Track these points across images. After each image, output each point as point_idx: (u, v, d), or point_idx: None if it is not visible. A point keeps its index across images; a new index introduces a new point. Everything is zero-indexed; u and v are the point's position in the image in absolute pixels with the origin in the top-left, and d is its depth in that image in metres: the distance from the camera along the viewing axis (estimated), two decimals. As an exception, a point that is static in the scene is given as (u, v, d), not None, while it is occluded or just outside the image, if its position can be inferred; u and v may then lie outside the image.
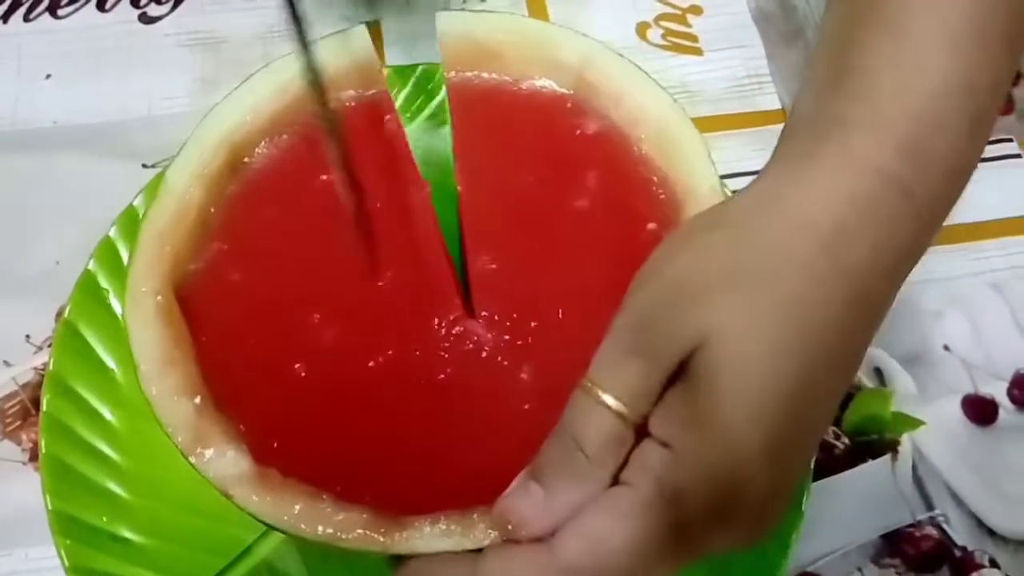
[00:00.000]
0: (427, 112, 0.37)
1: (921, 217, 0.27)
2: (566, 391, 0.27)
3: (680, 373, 0.26)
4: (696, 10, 0.54)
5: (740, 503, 0.25)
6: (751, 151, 0.49)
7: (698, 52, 0.52)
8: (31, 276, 0.45)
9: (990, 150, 0.50)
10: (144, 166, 0.47)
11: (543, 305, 0.32)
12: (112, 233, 0.40)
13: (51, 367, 0.38)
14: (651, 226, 0.33)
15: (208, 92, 0.49)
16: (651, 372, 0.26)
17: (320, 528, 0.28)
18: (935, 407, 0.43)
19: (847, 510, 0.41)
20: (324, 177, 0.34)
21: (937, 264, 0.46)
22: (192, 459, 0.29)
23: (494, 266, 0.33)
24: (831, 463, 0.42)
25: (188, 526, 0.37)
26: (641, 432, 0.26)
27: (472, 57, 0.35)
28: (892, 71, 0.27)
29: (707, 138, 0.34)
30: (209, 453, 0.29)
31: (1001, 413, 0.43)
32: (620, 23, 0.53)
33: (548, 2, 0.53)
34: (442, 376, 0.31)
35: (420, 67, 0.40)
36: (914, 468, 0.42)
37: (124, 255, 0.40)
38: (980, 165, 0.49)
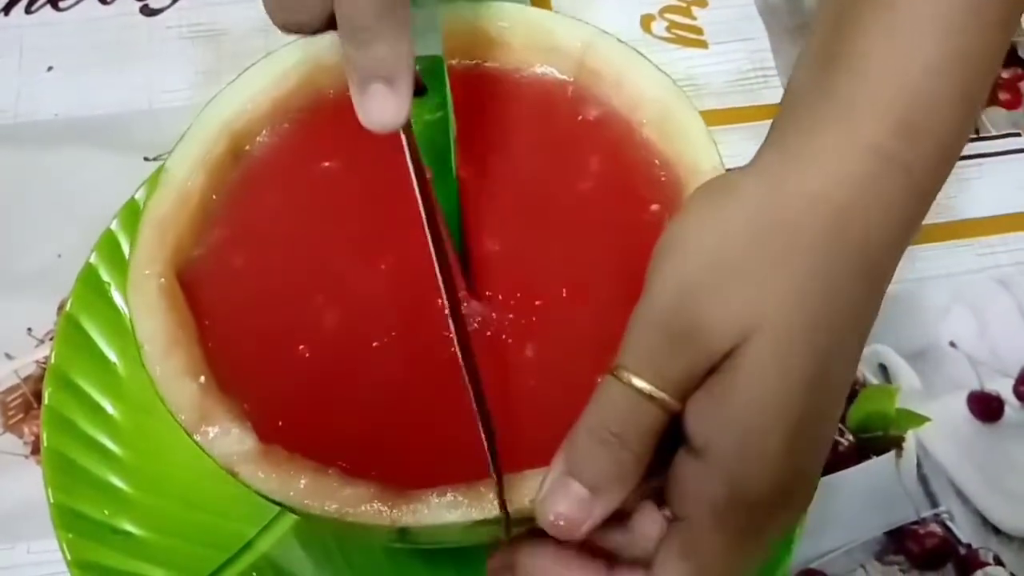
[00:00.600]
0: (430, 100, 0.37)
1: (918, 192, 0.27)
2: (571, 367, 0.27)
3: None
4: (701, 2, 0.53)
5: (786, 494, 0.26)
6: (756, 144, 0.47)
7: (703, 45, 0.52)
8: (33, 269, 0.45)
9: (997, 145, 0.49)
10: (145, 159, 0.47)
11: (547, 285, 0.32)
12: (114, 226, 0.40)
13: (53, 360, 0.38)
14: (654, 207, 0.33)
15: (209, 85, 0.49)
16: (696, 363, 0.26)
17: (326, 503, 0.28)
18: (940, 404, 0.43)
19: (851, 507, 0.41)
20: (325, 164, 0.34)
21: (943, 260, 0.46)
22: (197, 437, 0.29)
23: (497, 248, 0.33)
24: (835, 460, 0.42)
25: (190, 520, 0.37)
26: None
27: (473, 46, 0.35)
28: (887, 48, 0.27)
29: (712, 131, 0.34)
30: (213, 431, 0.29)
31: (1007, 410, 0.43)
32: (625, 15, 0.52)
33: (552, -6, 0.53)
34: (446, 356, 0.31)
35: (423, 56, 0.40)
36: (919, 465, 0.42)
37: (126, 248, 0.40)
38: (987, 160, 0.49)
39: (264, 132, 0.34)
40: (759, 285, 0.26)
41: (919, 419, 0.43)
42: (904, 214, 0.27)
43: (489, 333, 0.31)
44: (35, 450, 0.41)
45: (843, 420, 0.43)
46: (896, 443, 0.42)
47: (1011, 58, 0.52)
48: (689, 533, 0.26)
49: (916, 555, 0.40)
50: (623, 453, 0.26)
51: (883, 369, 0.44)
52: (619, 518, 0.27)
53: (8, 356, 0.43)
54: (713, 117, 0.49)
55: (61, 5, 0.52)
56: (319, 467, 0.29)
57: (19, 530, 0.39)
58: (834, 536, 0.40)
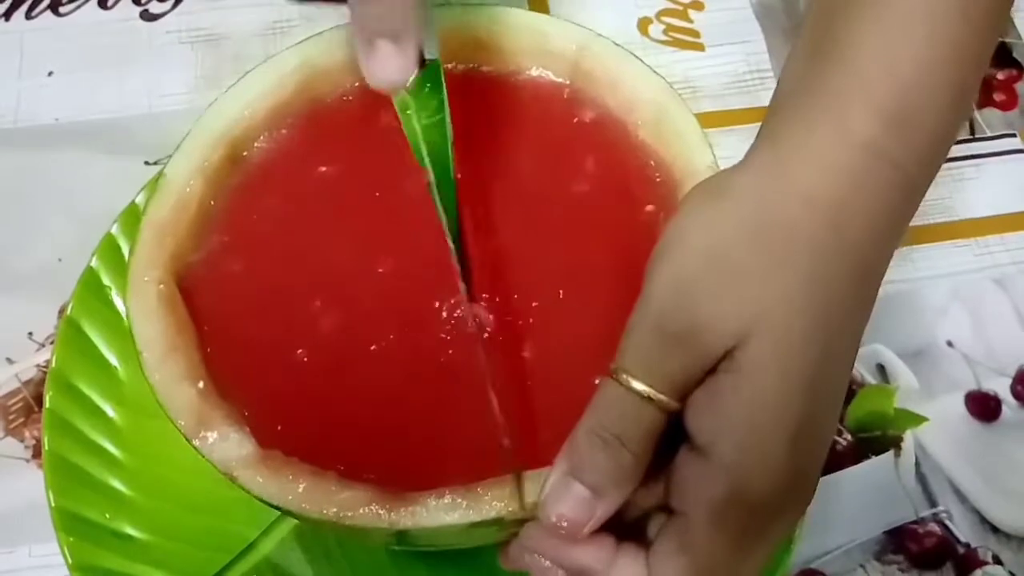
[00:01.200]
0: (427, 103, 0.37)
1: (909, 187, 0.28)
2: (568, 367, 0.27)
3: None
4: (698, 5, 0.53)
5: (787, 494, 0.26)
6: (753, 147, 0.48)
7: (700, 47, 0.52)
8: (34, 273, 0.45)
9: (993, 145, 0.50)
10: (146, 163, 0.47)
11: (543, 286, 0.32)
12: (114, 230, 0.40)
13: (54, 364, 0.38)
14: (649, 208, 0.33)
15: (209, 89, 0.49)
16: (695, 364, 0.26)
17: (324, 506, 0.28)
18: (938, 403, 0.43)
19: (850, 507, 0.41)
20: (323, 168, 0.34)
21: (940, 260, 0.46)
22: (195, 442, 0.29)
23: (494, 251, 0.33)
24: (834, 459, 0.42)
25: (191, 523, 0.37)
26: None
27: (469, 49, 0.36)
28: (877, 42, 0.27)
29: (709, 133, 0.34)
30: (212, 436, 0.29)
31: (1004, 409, 0.43)
32: (622, 18, 0.52)
33: (550, -2, 0.53)
34: (444, 358, 0.31)
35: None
36: (917, 464, 0.42)
37: (126, 252, 0.40)
38: (983, 160, 0.49)
39: (262, 138, 0.35)
40: (757, 285, 0.26)
41: (917, 419, 0.43)
42: (896, 211, 0.27)
43: (486, 335, 0.31)
44: (36, 454, 0.41)
45: (842, 420, 0.43)
46: (895, 443, 0.42)
47: (1006, 60, 0.52)
48: (688, 529, 0.26)
49: (915, 554, 0.40)
50: (623, 454, 0.26)
51: (881, 369, 0.44)
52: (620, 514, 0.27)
53: (9, 360, 0.43)
54: (710, 119, 0.49)
55: (62, 10, 0.52)
56: (317, 471, 0.29)
57: (20, 533, 0.39)
58: (833, 536, 0.40)
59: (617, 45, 0.35)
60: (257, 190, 0.34)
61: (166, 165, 0.33)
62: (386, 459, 0.30)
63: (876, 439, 0.42)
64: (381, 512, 0.28)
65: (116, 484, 0.37)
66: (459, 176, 0.32)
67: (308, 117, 0.35)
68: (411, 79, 0.28)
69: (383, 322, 0.32)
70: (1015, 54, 0.52)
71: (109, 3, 0.53)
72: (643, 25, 0.53)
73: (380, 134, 0.34)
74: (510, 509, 0.28)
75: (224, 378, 0.31)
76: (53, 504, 0.36)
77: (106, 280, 0.40)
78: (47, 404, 0.38)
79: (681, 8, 0.53)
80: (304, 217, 0.34)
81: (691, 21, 0.53)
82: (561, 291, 0.32)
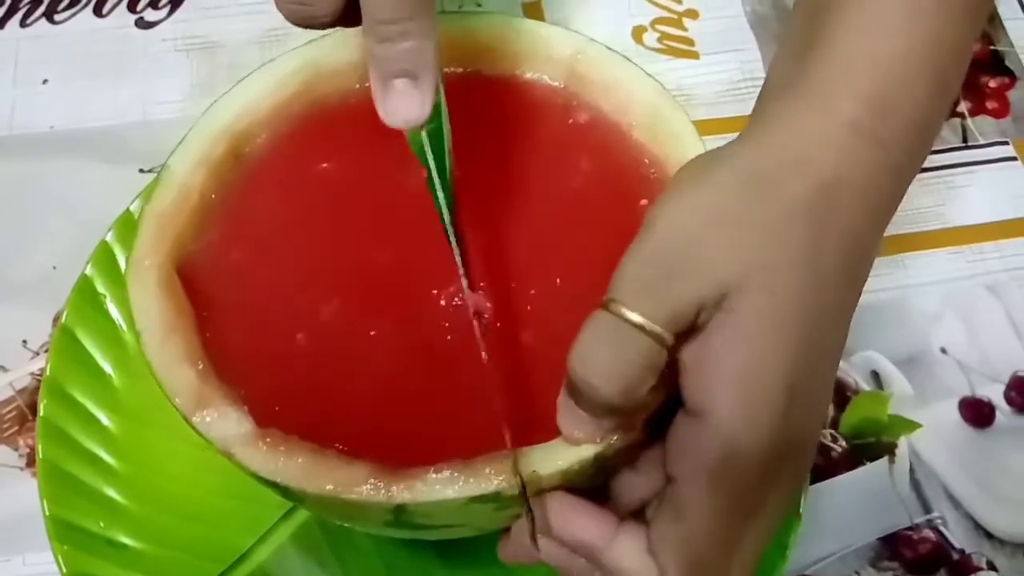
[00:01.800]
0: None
1: (895, 169, 0.28)
2: (565, 351, 0.26)
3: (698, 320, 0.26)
4: (692, 14, 0.54)
5: (780, 460, 0.26)
6: (748, 154, 0.49)
7: (694, 56, 0.52)
8: (28, 281, 0.45)
9: (986, 153, 0.50)
10: (141, 171, 0.47)
11: (541, 275, 0.33)
12: (109, 238, 0.40)
13: (48, 372, 0.38)
14: (643, 202, 0.33)
15: (205, 97, 0.49)
16: (688, 300, 0.26)
17: (323, 482, 0.28)
18: (932, 410, 0.43)
19: (845, 513, 0.41)
20: (324, 165, 0.35)
21: (934, 267, 0.46)
22: (194, 420, 0.29)
23: (492, 242, 0.33)
24: (828, 466, 0.42)
25: (186, 532, 0.37)
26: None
27: (470, 54, 0.36)
28: (858, 34, 0.28)
29: (703, 141, 0.34)
30: (211, 415, 0.29)
31: (998, 416, 0.43)
32: (616, 27, 0.53)
33: (544, 6, 0.53)
34: (442, 343, 0.32)
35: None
36: (911, 471, 0.42)
37: (121, 260, 0.40)
38: (976, 168, 0.50)
39: (264, 135, 0.35)
40: (756, 235, 0.26)
41: (911, 425, 0.43)
42: (883, 190, 0.28)
43: (484, 319, 0.32)
44: (30, 462, 0.41)
45: (836, 426, 0.43)
46: (889, 449, 0.42)
47: (999, 68, 0.53)
48: (685, 495, 0.26)
49: (910, 561, 0.40)
50: (625, 392, 0.26)
51: (875, 376, 0.44)
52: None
53: (3, 368, 0.43)
54: (704, 127, 0.48)
55: (56, 18, 0.52)
56: (316, 448, 0.29)
57: (15, 542, 0.39)
58: (828, 542, 0.40)
59: (611, 50, 0.36)
60: (258, 184, 0.35)
61: (170, 156, 0.34)
62: (384, 441, 0.30)
63: (870, 445, 0.42)
64: (380, 486, 0.28)
65: (111, 493, 0.37)
66: (458, 173, 0.32)
67: (310, 117, 0.36)
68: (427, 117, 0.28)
69: (382, 308, 0.32)
70: (1007, 62, 0.53)
71: (104, 11, 0.53)
72: (637, 33, 0.53)
73: (380, 134, 0.34)
74: (508, 483, 0.28)
75: (222, 362, 0.31)
76: (47, 513, 0.36)
77: (100, 288, 0.40)
78: (41, 412, 0.38)
79: (676, 16, 0.53)
80: (304, 210, 0.34)
81: (685, 29, 0.53)
82: (558, 279, 0.32)
